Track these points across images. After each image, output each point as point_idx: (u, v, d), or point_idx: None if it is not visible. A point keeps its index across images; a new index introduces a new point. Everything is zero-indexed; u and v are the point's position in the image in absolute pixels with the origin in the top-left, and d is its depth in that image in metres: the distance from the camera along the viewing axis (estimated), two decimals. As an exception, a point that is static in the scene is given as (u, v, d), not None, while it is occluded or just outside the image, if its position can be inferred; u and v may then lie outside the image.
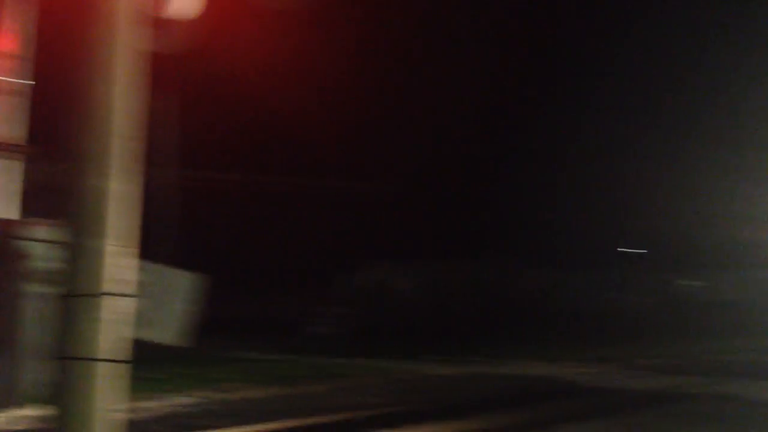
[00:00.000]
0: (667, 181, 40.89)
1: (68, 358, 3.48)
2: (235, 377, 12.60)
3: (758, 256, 42.87)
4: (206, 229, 28.46)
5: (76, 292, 3.51)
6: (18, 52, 9.03)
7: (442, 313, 30.37)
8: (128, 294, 3.64)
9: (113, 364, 3.50)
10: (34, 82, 9.13)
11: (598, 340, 24.57)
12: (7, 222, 8.80)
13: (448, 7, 35.08)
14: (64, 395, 3.52)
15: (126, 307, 3.61)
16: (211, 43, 7.69)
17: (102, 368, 3.47)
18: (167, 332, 7.64)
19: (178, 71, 16.02)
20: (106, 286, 3.49)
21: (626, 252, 45.83)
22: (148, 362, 7.55)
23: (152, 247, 6.15)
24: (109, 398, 3.52)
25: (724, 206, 38.83)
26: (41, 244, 8.29)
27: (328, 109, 29.96)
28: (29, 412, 8.04)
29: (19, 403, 8.29)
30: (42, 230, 8.35)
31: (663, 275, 46.26)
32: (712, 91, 42.40)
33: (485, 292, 33.97)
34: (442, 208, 37.56)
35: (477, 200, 38.81)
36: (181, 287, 7.86)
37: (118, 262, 3.57)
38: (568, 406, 10.89)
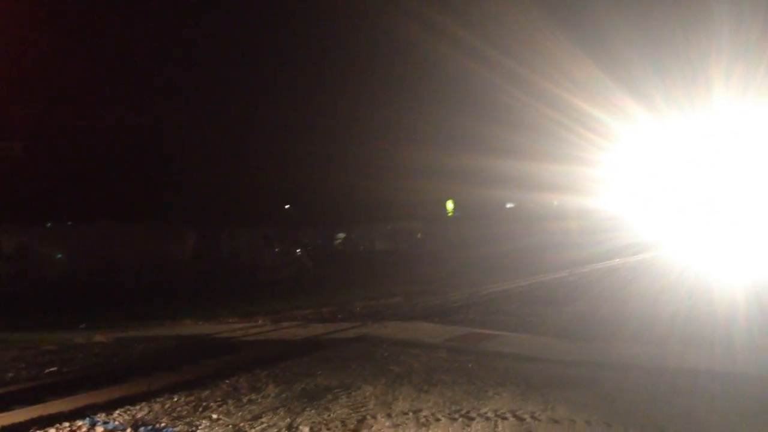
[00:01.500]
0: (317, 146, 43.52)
1: None
2: None
3: (404, 210, 48.29)
4: None
5: None
6: None
7: (93, 279, 28.59)
8: None
9: None
10: None
11: (256, 295, 25.33)
12: None
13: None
14: None
15: None
16: None
17: None
18: None
19: None
20: None
21: (289, 209, 47.93)
22: None
23: None
24: None
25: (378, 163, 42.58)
26: None
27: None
28: None
29: None
30: None
31: (319, 230, 49.53)
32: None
33: (143, 255, 32.68)
34: (85, 169, 34.86)
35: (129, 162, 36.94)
36: None
37: None
38: (229, 360, 11.03)
